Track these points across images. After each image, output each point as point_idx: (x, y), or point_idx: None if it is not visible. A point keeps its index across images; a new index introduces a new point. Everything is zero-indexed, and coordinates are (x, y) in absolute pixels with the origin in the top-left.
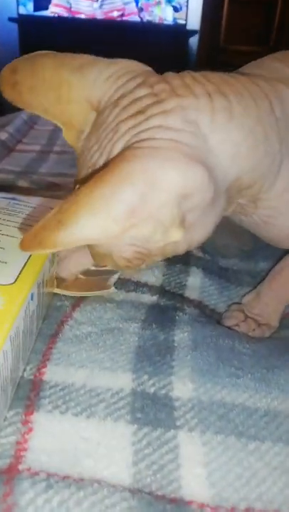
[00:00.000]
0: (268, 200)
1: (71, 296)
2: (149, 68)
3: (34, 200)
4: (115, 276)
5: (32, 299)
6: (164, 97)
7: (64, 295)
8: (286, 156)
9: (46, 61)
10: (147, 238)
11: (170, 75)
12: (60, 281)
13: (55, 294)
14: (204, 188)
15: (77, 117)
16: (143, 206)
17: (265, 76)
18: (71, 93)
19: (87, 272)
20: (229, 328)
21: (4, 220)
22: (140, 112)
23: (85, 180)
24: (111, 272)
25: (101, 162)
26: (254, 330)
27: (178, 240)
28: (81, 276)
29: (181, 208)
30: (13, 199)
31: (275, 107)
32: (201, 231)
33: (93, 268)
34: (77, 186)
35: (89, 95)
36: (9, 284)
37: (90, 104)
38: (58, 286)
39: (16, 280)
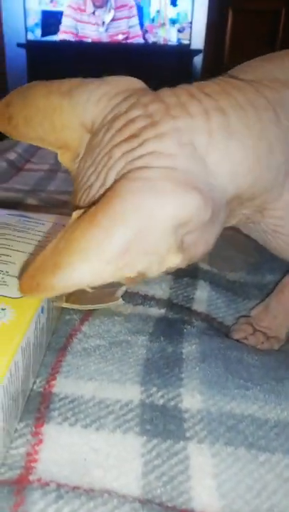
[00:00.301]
0: (274, 209)
1: (79, 310)
2: (142, 85)
3: (43, 217)
4: (123, 289)
5: (42, 311)
6: (158, 118)
7: (72, 309)
8: None
9: (37, 91)
10: (143, 271)
11: (165, 93)
12: (68, 296)
13: (64, 308)
14: (200, 213)
15: (72, 142)
16: (138, 244)
17: (269, 80)
18: (63, 118)
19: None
20: (237, 341)
21: (15, 236)
22: (134, 136)
23: (82, 209)
24: (118, 284)
25: (97, 186)
26: (262, 343)
27: (177, 264)
28: (88, 289)
29: (177, 236)
30: (23, 216)
31: (281, 115)
32: (202, 247)
33: None
34: (74, 214)
35: (82, 118)
36: (21, 298)
37: (83, 127)
38: (66, 301)
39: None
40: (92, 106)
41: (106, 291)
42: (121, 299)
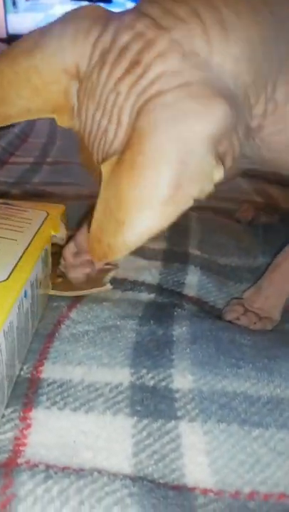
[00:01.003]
0: (273, 114)
1: (67, 297)
2: (106, 10)
3: (25, 205)
4: (111, 274)
5: (25, 296)
6: (151, 35)
7: (60, 296)
8: (284, 59)
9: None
10: (197, 197)
11: (144, 6)
12: (56, 283)
13: (51, 296)
14: (229, 118)
15: (61, 97)
16: (186, 173)
17: None
18: (43, 76)
19: None
20: (230, 322)
21: None
22: (135, 63)
23: (108, 160)
24: (107, 270)
25: (113, 129)
26: (255, 323)
27: (221, 178)
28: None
29: (215, 149)
30: (5, 204)
31: (268, 3)
32: (230, 156)
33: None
34: (104, 167)
35: (62, 66)
36: (1, 281)
37: (68, 74)
38: (53, 288)
39: (8, 277)
40: (70, 49)
41: (94, 277)
42: (109, 285)
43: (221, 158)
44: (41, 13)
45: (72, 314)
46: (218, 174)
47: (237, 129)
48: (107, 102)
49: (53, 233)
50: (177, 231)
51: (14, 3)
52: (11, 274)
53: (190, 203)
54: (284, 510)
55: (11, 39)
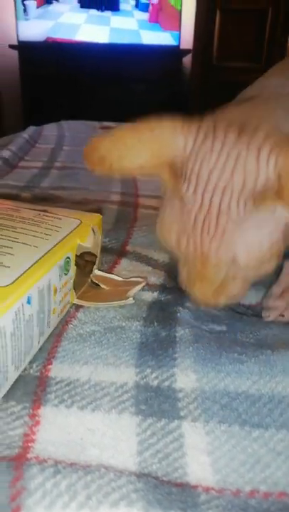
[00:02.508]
0: None
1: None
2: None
3: (63, 213)
4: (137, 287)
5: (28, 302)
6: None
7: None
8: None
9: (124, 133)
10: None
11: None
12: (82, 293)
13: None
14: None
15: (173, 161)
16: None
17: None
18: (161, 145)
19: (112, 283)
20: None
21: (25, 229)
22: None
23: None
24: (135, 284)
25: (240, 179)
26: None
27: None
28: (104, 287)
29: None
30: (44, 211)
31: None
32: None
33: (120, 279)
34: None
35: (175, 146)
36: (3, 286)
37: (176, 152)
38: (80, 297)
39: (12, 283)
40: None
41: (120, 289)
42: (131, 299)
43: None
44: (52, 21)
45: (79, 314)
46: None
47: None
48: (227, 159)
49: (79, 242)
50: None
51: (25, 10)
52: (16, 280)
53: None
54: (284, 508)
55: (22, 46)
